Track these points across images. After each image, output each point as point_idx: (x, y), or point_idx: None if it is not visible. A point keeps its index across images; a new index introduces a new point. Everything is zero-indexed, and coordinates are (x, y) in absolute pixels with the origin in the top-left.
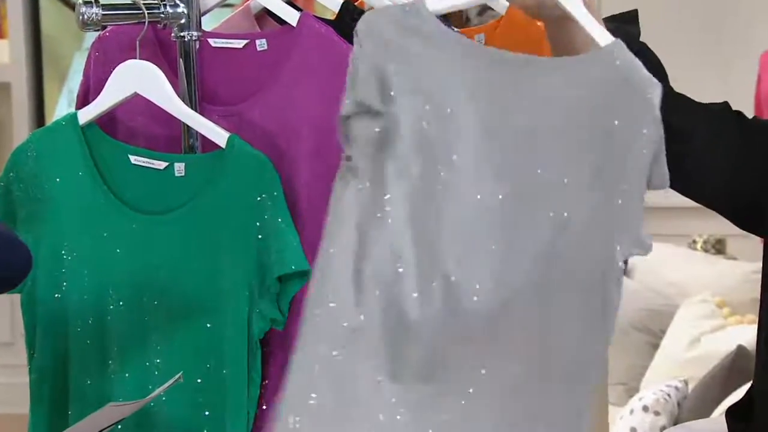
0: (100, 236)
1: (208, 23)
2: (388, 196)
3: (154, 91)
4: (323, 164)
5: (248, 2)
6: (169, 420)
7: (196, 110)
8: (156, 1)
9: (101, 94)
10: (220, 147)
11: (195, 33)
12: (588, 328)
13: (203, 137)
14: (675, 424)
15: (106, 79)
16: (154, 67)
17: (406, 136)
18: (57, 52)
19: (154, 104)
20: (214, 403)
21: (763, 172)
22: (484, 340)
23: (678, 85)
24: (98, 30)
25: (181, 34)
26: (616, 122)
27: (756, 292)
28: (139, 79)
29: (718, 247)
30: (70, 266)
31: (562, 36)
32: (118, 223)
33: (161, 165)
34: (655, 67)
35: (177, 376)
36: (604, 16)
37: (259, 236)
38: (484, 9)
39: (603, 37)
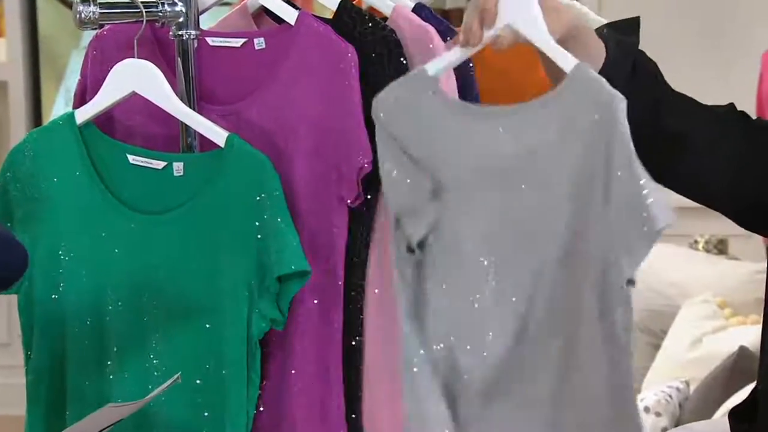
0: (98, 236)
1: (205, 22)
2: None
3: (152, 90)
4: (322, 163)
5: (245, 1)
6: (168, 421)
7: (194, 109)
8: (154, 0)
9: (99, 93)
10: (219, 146)
11: (193, 32)
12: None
13: (201, 136)
14: (676, 425)
15: (104, 78)
16: (152, 66)
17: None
18: (54, 50)
19: (152, 103)
20: (213, 403)
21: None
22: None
23: (678, 86)
24: (95, 28)
25: (179, 32)
26: (592, 158)
27: (759, 292)
28: (137, 78)
29: (719, 247)
30: (68, 266)
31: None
32: (117, 223)
33: (160, 164)
34: (652, 74)
35: (175, 377)
36: (607, 21)
37: (259, 236)
38: None
39: (566, 62)
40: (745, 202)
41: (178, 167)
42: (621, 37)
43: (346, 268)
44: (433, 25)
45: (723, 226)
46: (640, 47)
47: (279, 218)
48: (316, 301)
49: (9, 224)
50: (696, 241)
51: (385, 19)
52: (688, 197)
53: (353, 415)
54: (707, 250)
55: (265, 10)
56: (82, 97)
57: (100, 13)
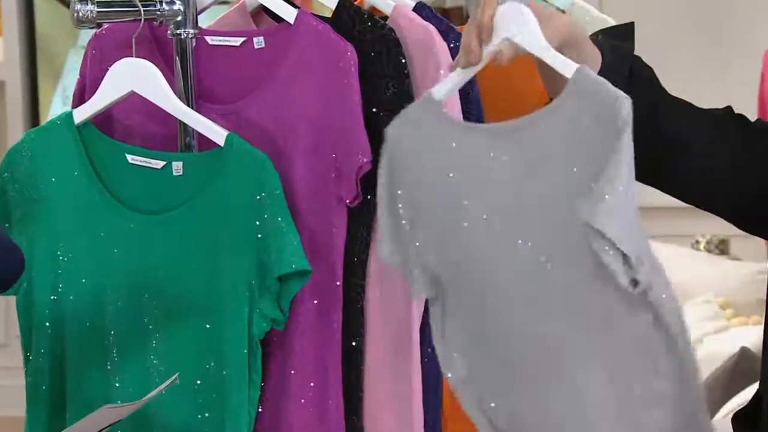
0: (97, 236)
1: (204, 20)
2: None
3: (151, 89)
4: (321, 162)
5: None
6: (168, 421)
7: (193, 108)
8: None
9: (97, 92)
10: (218, 145)
11: (192, 30)
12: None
13: (200, 135)
14: None
15: (103, 78)
16: (151, 65)
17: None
18: (51, 49)
19: (151, 102)
20: (213, 404)
21: (766, 173)
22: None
23: (676, 87)
24: (93, 27)
25: (178, 31)
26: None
27: (760, 293)
28: (136, 77)
29: (721, 247)
30: (67, 267)
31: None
32: (116, 223)
33: (159, 164)
34: (648, 79)
35: (173, 378)
36: (603, 26)
37: (259, 235)
38: None
39: (567, 68)
40: (743, 205)
41: (177, 167)
42: (616, 42)
43: (346, 268)
44: (433, 24)
45: (724, 226)
46: (637, 48)
47: (279, 217)
48: (315, 301)
49: (7, 225)
50: (697, 242)
51: (386, 18)
52: (687, 201)
53: (353, 416)
54: (709, 251)
55: (264, 9)
56: (81, 97)
57: (98, 11)
